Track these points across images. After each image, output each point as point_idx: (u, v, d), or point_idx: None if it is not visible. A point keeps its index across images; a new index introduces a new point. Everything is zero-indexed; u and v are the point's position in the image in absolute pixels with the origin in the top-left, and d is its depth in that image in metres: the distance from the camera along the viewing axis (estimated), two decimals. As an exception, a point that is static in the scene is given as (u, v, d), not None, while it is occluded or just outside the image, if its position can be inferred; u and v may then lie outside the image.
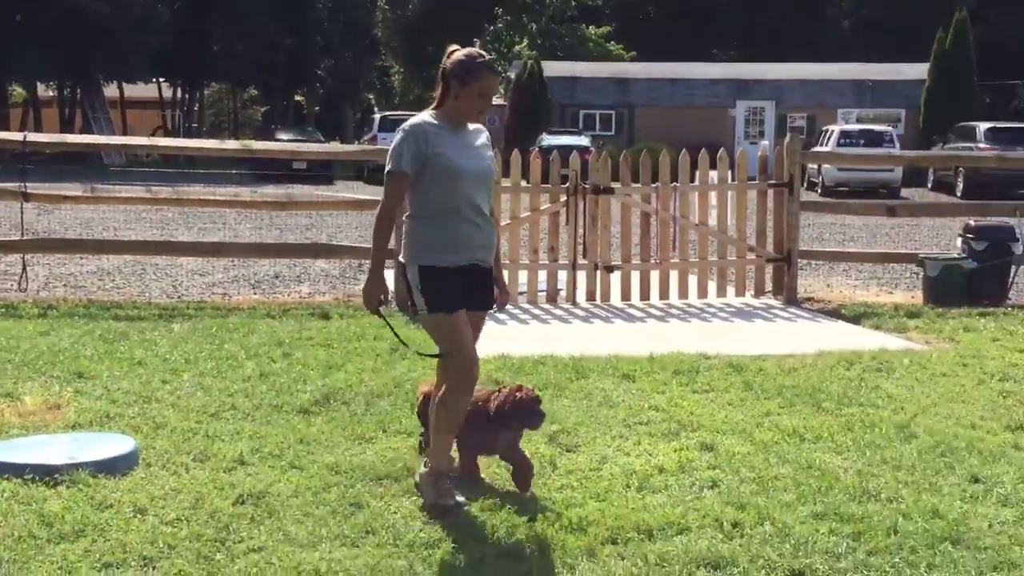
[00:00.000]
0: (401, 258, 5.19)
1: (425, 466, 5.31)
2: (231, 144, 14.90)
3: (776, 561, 4.60)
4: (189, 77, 53.52)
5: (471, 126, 5.25)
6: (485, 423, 5.34)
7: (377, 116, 39.81)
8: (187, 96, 55.71)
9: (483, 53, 5.18)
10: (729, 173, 12.11)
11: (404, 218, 5.20)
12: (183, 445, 6.10)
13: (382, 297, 5.11)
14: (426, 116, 5.17)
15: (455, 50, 5.18)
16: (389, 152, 5.10)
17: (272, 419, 6.67)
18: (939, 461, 5.98)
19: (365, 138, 37.76)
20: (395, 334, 5.51)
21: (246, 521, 5.00)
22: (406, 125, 5.14)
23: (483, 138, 5.28)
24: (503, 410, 5.33)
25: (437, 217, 5.07)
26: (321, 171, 32.24)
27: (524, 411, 5.33)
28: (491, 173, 5.23)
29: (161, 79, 54.39)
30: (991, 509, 5.27)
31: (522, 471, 5.40)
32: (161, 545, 4.71)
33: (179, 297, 11.80)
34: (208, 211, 20.47)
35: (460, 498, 5.17)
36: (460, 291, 5.08)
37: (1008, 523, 5.09)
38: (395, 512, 5.14)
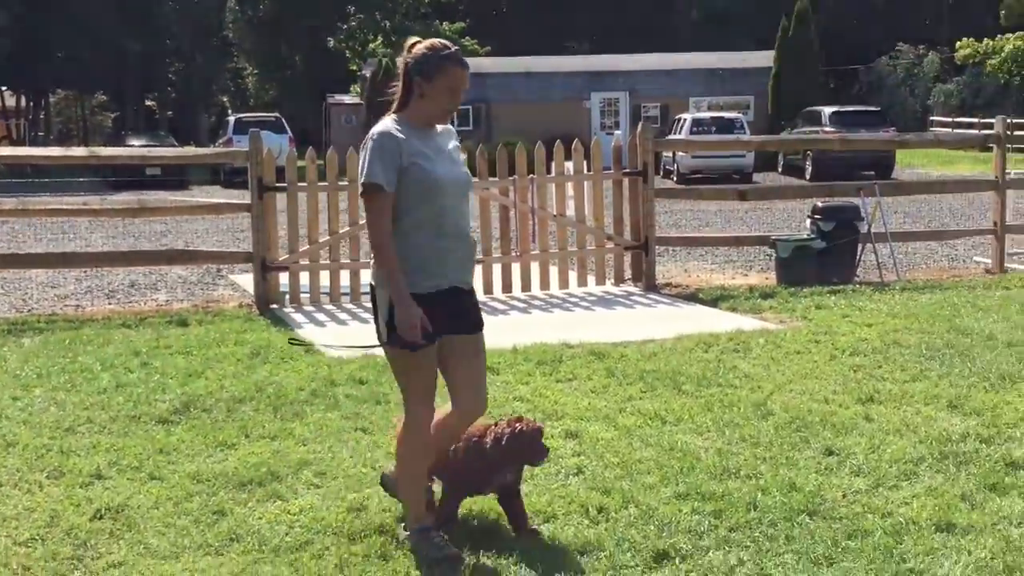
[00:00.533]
0: (372, 279, 4.57)
1: (405, 528, 4.69)
2: (77, 151, 14.48)
3: (641, 543, 4.66)
4: (33, 85, 51.81)
5: (439, 128, 4.63)
6: (481, 461, 4.71)
7: (232, 119, 39.16)
8: (32, 104, 53.91)
9: (448, 44, 4.54)
10: (585, 164, 12.23)
11: None
12: (36, 462, 5.90)
13: (422, 320, 4.39)
14: (389, 123, 4.50)
15: (416, 43, 4.56)
16: (361, 168, 4.45)
17: (130, 431, 6.49)
18: (795, 436, 6.15)
19: (220, 141, 37.08)
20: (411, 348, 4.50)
21: (105, 536, 4.87)
22: (374, 134, 4.46)
23: (454, 141, 4.66)
24: (502, 445, 4.71)
25: (413, 234, 4.45)
26: (176, 176, 31.55)
27: (526, 445, 4.72)
28: (469, 181, 4.67)
29: (3, 88, 52.52)
30: (845, 480, 5.44)
31: (518, 519, 4.81)
32: (15, 567, 4.55)
33: (29, 311, 11.42)
34: (58, 221, 19.83)
35: (445, 552, 4.52)
36: (441, 317, 4.46)
37: (861, 492, 5.26)
38: (260, 518, 5.05)
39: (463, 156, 4.69)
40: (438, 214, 4.47)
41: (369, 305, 11.66)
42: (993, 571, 4.34)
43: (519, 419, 4.82)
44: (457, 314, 4.56)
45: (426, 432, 4.60)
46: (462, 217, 4.57)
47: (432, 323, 4.43)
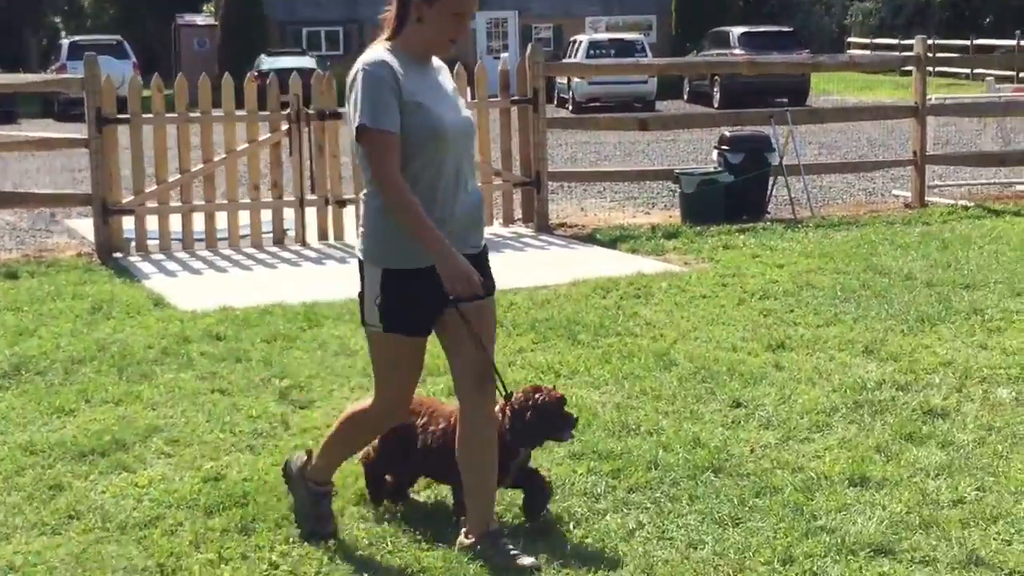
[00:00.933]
0: (360, 252, 4.27)
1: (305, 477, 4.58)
2: None
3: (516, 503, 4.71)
4: None
5: (435, 62, 4.33)
6: (498, 445, 4.42)
7: (65, 42, 38.11)
8: None
9: None
10: (468, 91, 12.20)
11: (363, 195, 4.28)
12: None
13: (474, 276, 4.10)
14: (381, 51, 4.15)
15: None
16: (353, 107, 4.10)
17: (-49, 398, 6.35)
18: (700, 387, 6.27)
19: (52, 68, 36.09)
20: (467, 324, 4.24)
21: (-77, 518, 4.77)
22: (365, 65, 4.10)
23: (450, 78, 4.39)
24: (525, 422, 4.50)
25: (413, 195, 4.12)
26: (2, 108, 30.65)
27: (551, 418, 4.51)
28: (474, 128, 4.41)
29: None
30: (753, 433, 5.57)
31: (540, 493, 4.63)
32: None
33: None
34: None
35: (329, 529, 4.51)
36: (431, 304, 4.21)
37: (770, 446, 5.39)
38: (103, 492, 5.00)
39: (462, 101, 4.38)
40: (439, 167, 4.15)
41: (228, 253, 11.50)
42: (909, 526, 4.50)
43: (536, 388, 4.60)
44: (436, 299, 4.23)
45: (384, 427, 4.54)
46: (467, 170, 4.27)
47: (431, 303, 4.19)
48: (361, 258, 4.26)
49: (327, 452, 4.57)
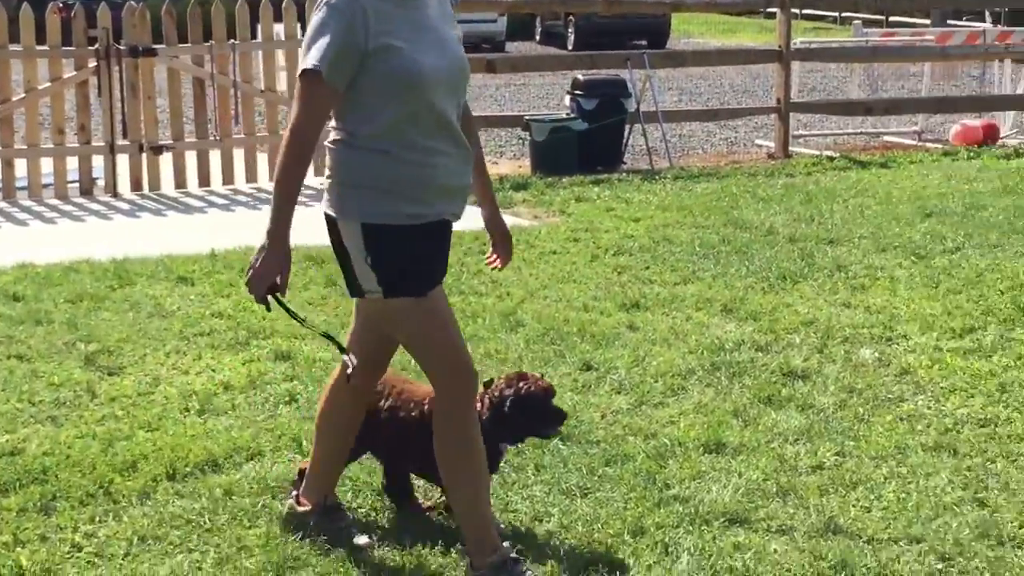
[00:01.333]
0: (329, 210, 3.94)
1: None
2: None
3: (365, 481, 4.72)
4: None
5: None
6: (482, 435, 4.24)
7: None
8: None
9: None
10: (299, 27, 12.06)
11: (329, 143, 3.94)
12: None
13: (277, 280, 3.87)
14: None
15: None
16: (306, 38, 3.82)
17: None
18: (549, 350, 6.34)
19: None
20: (294, 317, 4.06)
21: None
22: None
23: (448, 7, 4.04)
24: (505, 412, 4.35)
25: (383, 144, 3.85)
26: None
27: (535, 411, 4.37)
28: (467, 71, 4.05)
29: None
30: (604, 398, 5.66)
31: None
32: None
33: None
34: None
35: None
36: (434, 256, 3.96)
37: (622, 412, 5.48)
38: None
39: (457, 32, 4.04)
40: (420, 118, 3.85)
41: (28, 204, 11.21)
42: (765, 494, 4.62)
43: (520, 376, 4.46)
44: (435, 258, 4.01)
45: (470, 402, 4.07)
46: (453, 122, 3.94)
47: (425, 261, 3.91)
48: (332, 214, 3.92)
49: (452, 482, 4.09)
